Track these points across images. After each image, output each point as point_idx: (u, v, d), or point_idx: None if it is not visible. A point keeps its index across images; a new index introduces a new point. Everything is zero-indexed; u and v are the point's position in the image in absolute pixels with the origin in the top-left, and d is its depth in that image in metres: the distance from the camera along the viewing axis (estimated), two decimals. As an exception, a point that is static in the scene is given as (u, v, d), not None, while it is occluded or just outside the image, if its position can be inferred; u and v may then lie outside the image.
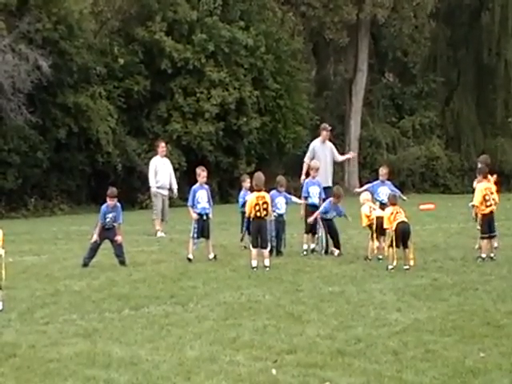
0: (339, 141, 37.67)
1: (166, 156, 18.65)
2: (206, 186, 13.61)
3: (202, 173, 13.57)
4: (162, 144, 18.69)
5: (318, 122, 34.18)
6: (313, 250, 13.76)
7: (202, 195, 13.32)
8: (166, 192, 17.97)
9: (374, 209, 13.01)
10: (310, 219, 13.52)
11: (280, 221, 13.44)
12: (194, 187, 13.48)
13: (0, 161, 27.04)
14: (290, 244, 14.44)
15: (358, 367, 6.44)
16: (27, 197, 28.23)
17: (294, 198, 14.19)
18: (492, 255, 12.44)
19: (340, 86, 43.57)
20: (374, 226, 12.62)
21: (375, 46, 43.23)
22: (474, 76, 42.74)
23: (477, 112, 42.88)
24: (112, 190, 12.81)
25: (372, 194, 13.78)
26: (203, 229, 13.19)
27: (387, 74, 45.90)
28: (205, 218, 13.26)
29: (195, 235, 13.13)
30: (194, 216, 13.18)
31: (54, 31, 27.34)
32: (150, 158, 29.79)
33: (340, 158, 16.39)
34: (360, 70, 40.13)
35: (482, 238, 12.58)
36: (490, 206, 12.59)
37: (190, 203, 13.38)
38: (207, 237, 13.28)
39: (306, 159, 15.27)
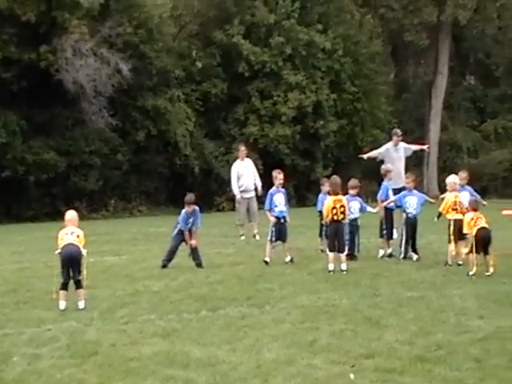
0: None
1: (247, 157, 18.66)
2: (283, 190, 13.63)
3: (278, 176, 13.61)
4: (242, 148, 18.74)
5: (395, 125, 33.73)
6: (390, 255, 13.62)
7: (279, 198, 13.35)
8: (251, 194, 17.96)
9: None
10: (378, 209, 13.86)
11: (354, 225, 13.34)
12: (271, 191, 13.53)
13: (82, 163, 27.77)
14: (367, 248, 14.32)
15: (438, 374, 6.33)
16: (107, 198, 28.90)
17: (369, 208, 13.96)
18: None
19: (419, 88, 42.94)
20: (452, 229, 12.42)
21: (456, 47, 42.37)
22: None
23: None
24: (190, 197, 12.90)
25: None
26: (280, 232, 13.21)
27: (468, 77, 44.94)
28: (282, 221, 13.29)
29: (273, 238, 13.18)
30: (272, 219, 13.23)
31: (134, 35, 27.94)
32: (227, 161, 30.55)
33: (413, 147, 17.68)
34: (440, 73, 39.43)
35: None
36: None
37: (267, 207, 13.42)
38: (284, 240, 13.30)
39: (377, 152, 16.95)
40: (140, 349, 7.32)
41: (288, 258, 13.15)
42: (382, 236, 13.84)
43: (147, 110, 28.96)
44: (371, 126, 35.29)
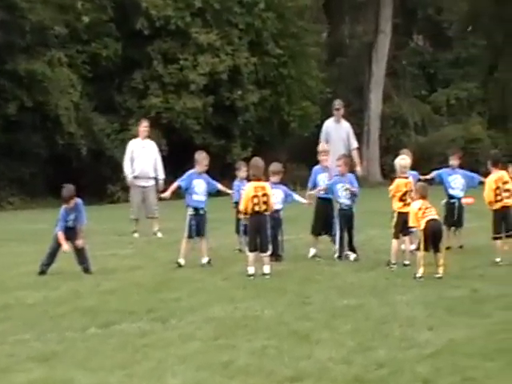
0: (357, 119, 37.68)
1: (148, 137, 18.45)
2: (205, 175, 13.58)
3: (205, 159, 13.56)
4: (145, 123, 18.49)
5: (329, 95, 34.16)
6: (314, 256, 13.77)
7: (199, 185, 13.30)
8: (147, 183, 17.82)
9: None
10: (312, 192, 13.91)
11: (276, 218, 13.26)
12: (191, 172, 13.47)
13: None
14: (295, 247, 14.48)
15: (379, 398, 6.45)
16: (-33, 188, 28.31)
17: (297, 197, 13.91)
18: None
19: (358, 51, 43.58)
20: (395, 221, 12.64)
21: (401, 1, 43.16)
22: (525, 38, 42.61)
23: (528, 83, 42.79)
24: (67, 190, 12.70)
25: None
26: (199, 226, 13.21)
27: (416, 37, 45.88)
28: (201, 212, 13.31)
29: (191, 234, 13.16)
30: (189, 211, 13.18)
31: (1, -19, 27.36)
32: (122, 140, 30.30)
33: (354, 144, 16.01)
34: (382, 32, 40.06)
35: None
36: (501, 200, 12.84)
37: (183, 185, 13.38)
38: (203, 235, 13.31)
39: (321, 142, 15.37)
40: (11, 377, 7.20)
41: (205, 260, 13.16)
42: (313, 232, 13.99)
43: (20, 75, 28.42)
44: (300, 97, 35.60)
